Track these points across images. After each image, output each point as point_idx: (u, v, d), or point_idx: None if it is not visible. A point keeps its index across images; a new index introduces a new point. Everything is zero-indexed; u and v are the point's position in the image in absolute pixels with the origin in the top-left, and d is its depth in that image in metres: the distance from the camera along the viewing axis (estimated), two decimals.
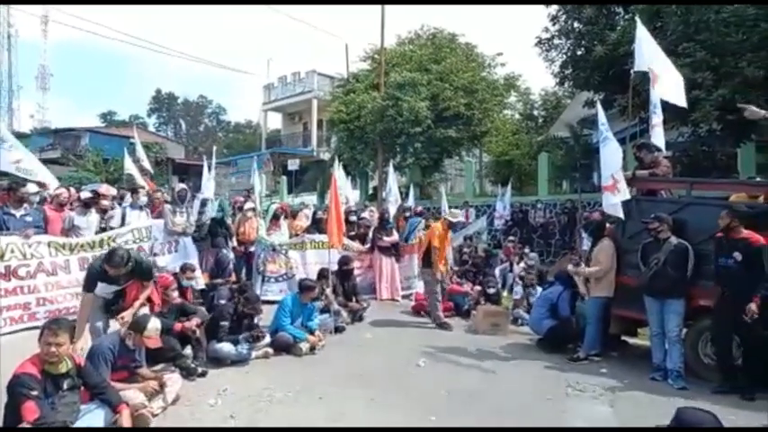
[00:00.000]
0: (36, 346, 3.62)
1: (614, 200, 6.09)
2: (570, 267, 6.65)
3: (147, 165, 12.14)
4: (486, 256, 10.38)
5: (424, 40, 22.14)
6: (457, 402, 4.79)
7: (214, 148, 13.44)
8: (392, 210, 11.57)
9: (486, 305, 8.26)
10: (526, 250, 11.86)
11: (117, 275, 4.79)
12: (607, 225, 6.60)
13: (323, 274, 7.66)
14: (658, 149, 6.77)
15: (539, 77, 59.95)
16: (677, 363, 5.43)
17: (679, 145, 12.28)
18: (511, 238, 13.09)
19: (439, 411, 4.49)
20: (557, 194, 17.50)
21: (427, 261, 7.85)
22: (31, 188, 7.41)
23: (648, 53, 7.25)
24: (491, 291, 8.78)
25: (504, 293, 9.79)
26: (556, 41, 14.41)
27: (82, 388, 3.67)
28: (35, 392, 3.30)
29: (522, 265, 10.37)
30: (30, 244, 6.40)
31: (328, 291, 7.31)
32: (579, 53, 13.89)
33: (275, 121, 38.03)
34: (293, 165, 26.48)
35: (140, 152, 11.94)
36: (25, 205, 6.98)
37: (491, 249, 12.83)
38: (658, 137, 7.06)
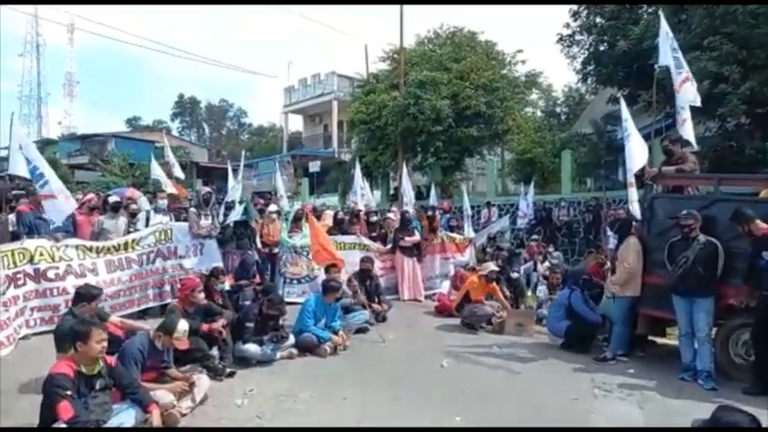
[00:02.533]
0: None
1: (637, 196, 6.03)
2: (608, 281, 6.48)
3: (178, 171, 12.26)
4: (508, 255, 10.30)
5: (444, 39, 22.06)
6: (482, 403, 4.77)
7: (243, 153, 13.47)
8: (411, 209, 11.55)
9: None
10: (550, 249, 11.74)
11: None
12: (633, 223, 6.49)
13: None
14: (688, 144, 6.64)
15: (561, 74, 59.11)
16: (707, 363, 5.32)
17: (706, 140, 12.01)
18: (534, 236, 12.97)
19: (464, 412, 4.48)
20: (581, 192, 17.27)
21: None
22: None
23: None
24: (514, 275, 8.63)
25: (529, 293, 9.71)
26: (578, 37, 14.27)
27: (113, 388, 3.76)
28: (69, 392, 3.39)
29: (546, 264, 10.27)
30: (58, 247, 6.56)
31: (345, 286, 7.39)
32: (602, 49, 13.73)
33: (296, 123, 38.35)
34: (314, 166, 26.66)
35: (171, 158, 12.04)
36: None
37: (513, 249, 12.72)
38: (688, 132, 6.90)
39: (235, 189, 9.89)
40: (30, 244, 6.27)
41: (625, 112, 6.82)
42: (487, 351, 6.49)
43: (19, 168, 6.07)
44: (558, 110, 27.30)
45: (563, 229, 15.40)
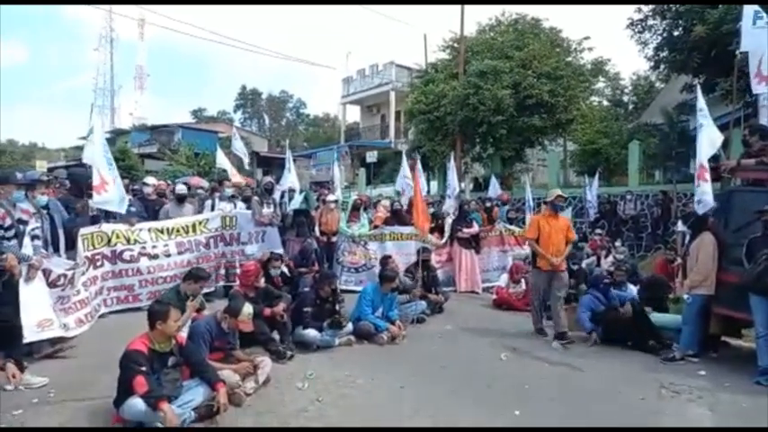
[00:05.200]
0: (139, 324, 3.96)
1: (706, 188, 5.72)
2: (686, 283, 6.15)
3: (245, 160, 12.62)
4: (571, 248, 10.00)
5: (506, 26, 21.53)
6: (542, 399, 4.67)
7: (287, 141, 13.90)
8: (449, 203, 11.37)
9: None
10: (617, 243, 11.30)
11: None
12: (709, 218, 6.13)
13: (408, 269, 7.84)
14: None
15: (629, 61, 56.43)
16: None
17: None
18: (598, 230, 12.51)
19: (522, 406, 4.41)
20: (648, 185, 16.49)
21: (533, 260, 6.93)
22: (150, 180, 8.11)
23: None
24: (574, 267, 8.35)
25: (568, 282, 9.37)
26: (650, 22, 13.55)
27: (183, 366, 3.96)
28: (144, 368, 3.60)
29: (609, 259, 9.90)
30: (133, 230, 6.96)
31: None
32: (676, 34, 12.98)
33: (354, 114, 38.65)
34: (371, 157, 26.80)
35: (241, 149, 12.37)
36: (128, 196, 7.63)
37: (576, 242, 12.31)
38: None
39: (286, 178, 10.09)
40: (107, 227, 6.67)
41: (701, 101, 6.42)
42: (547, 346, 6.34)
43: (95, 158, 6.41)
44: (625, 99, 26.15)
45: (629, 223, 14.79)
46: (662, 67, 14.63)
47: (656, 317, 6.53)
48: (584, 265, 9.76)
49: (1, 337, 4.56)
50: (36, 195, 5.39)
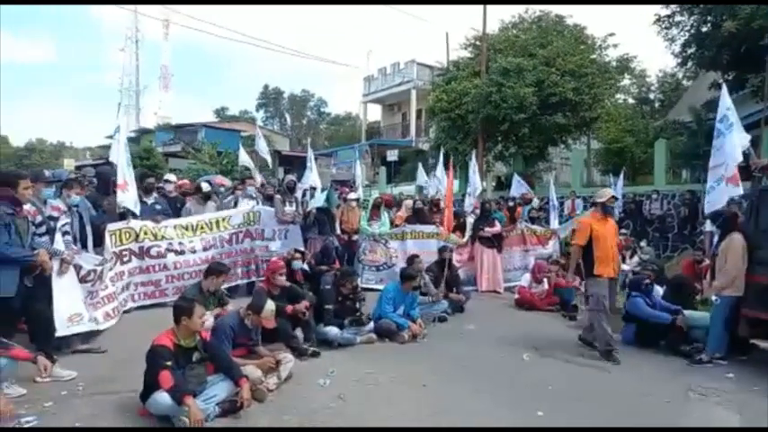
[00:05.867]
0: (165, 320, 4.03)
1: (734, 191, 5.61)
2: (714, 284, 5.99)
3: (269, 159, 12.72)
4: None
5: (529, 23, 21.28)
6: (565, 399, 4.62)
7: (309, 140, 14.00)
8: (470, 201, 11.30)
9: None
10: (642, 243, 11.11)
11: None
12: (738, 217, 5.99)
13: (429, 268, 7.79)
14: None
15: (656, 58, 55.36)
16: None
17: None
18: (623, 230, 12.30)
19: (546, 407, 4.36)
20: (675, 184, 16.16)
21: (588, 268, 6.04)
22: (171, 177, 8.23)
23: None
24: None
25: (617, 289, 9.23)
26: (677, 18, 13.29)
27: (207, 361, 4.01)
28: (170, 363, 3.66)
29: (635, 259, 9.75)
30: (160, 227, 7.08)
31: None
32: (705, 30, 12.70)
33: (375, 113, 38.69)
34: (392, 155, 26.80)
35: (264, 148, 12.48)
36: (154, 194, 7.77)
37: None
38: None
39: (308, 176, 10.14)
40: (135, 224, 6.80)
41: (728, 101, 6.26)
42: (571, 347, 6.26)
43: (120, 156, 6.54)
44: (651, 96, 25.66)
45: (655, 223, 14.51)
46: (690, 63, 14.34)
47: (686, 314, 6.39)
48: None
49: (34, 331, 4.70)
50: (71, 195, 5.53)
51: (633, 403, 4.60)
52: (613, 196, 6.39)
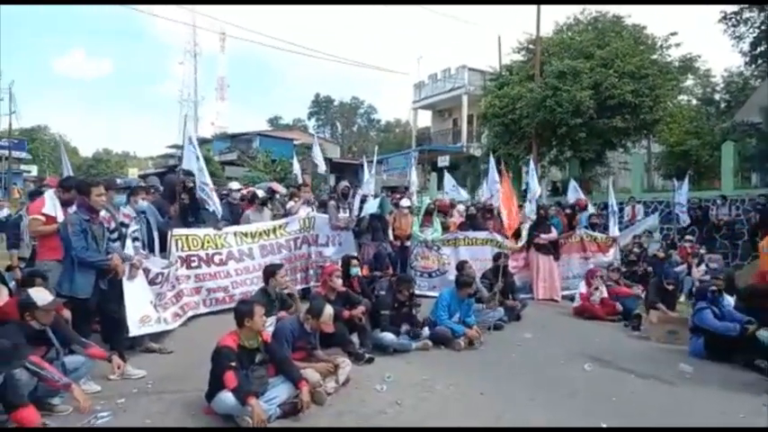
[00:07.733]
0: (228, 323, 4.15)
1: None
2: None
3: (321, 168, 12.96)
4: (664, 257, 9.42)
5: (585, 24, 20.73)
6: (629, 413, 4.43)
7: (376, 148, 14.03)
8: (529, 208, 11.02)
9: (660, 311, 7.43)
10: (702, 251, 10.57)
11: None
12: None
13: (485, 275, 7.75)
14: None
15: (722, 57, 52.57)
16: None
17: None
18: (689, 237, 11.74)
19: (611, 420, 4.21)
20: (744, 188, 15.27)
21: None
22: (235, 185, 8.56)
23: None
24: (670, 287, 7.82)
25: (682, 299, 8.82)
26: (746, 15, 12.62)
27: (269, 363, 4.11)
28: (234, 364, 3.77)
29: (702, 267, 9.28)
30: (220, 235, 7.30)
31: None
32: None
33: (425, 119, 38.61)
34: (443, 161, 26.68)
35: (318, 155, 12.71)
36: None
37: (665, 250, 11.60)
38: None
39: (368, 183, 10.23)
40: (199, 231, 7.05)
41: None
42: (635, 358, 6.02)
43: (192, 164, 6.82)
44: (716, 97, 24.38)
45: (722, 230, 13.75)
46: (759, 62, 13.57)
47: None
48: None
49: (107, 331, 4.96)
50: (138, 201, 5.80)
51: (703, 417, 4.36)
52: None
